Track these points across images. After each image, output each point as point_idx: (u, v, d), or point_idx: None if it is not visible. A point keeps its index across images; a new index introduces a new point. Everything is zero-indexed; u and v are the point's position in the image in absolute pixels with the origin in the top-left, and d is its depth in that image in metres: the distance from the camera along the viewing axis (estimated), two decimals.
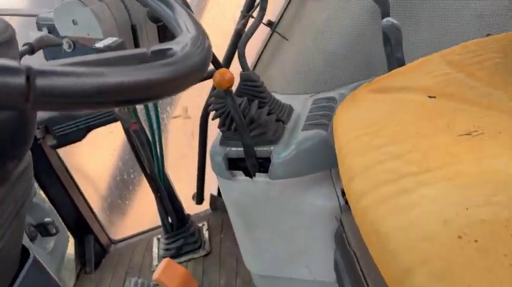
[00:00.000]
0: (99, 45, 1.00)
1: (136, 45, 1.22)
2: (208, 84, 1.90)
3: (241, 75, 1.48)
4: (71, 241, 2.10)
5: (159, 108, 1.86)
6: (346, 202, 1.14)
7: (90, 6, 1.10)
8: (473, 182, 0.74)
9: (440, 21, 1.43)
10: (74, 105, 0.39)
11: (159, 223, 2.14)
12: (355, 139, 0.95)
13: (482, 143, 0.82)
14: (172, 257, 1.93)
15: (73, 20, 1.10)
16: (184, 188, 2.16)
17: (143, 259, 2.09)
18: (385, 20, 1.24)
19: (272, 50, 1.72)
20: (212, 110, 1.45)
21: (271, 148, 1.41)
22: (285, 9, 1.69)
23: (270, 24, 1.71)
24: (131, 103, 0.43)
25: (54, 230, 1.69)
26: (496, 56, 1.03)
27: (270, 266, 1.65)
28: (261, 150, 1.42)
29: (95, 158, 2.15)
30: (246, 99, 1.42)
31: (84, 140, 1.88)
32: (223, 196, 1.63)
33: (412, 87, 1.04)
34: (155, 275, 1.71)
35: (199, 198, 2.27)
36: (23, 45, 0.74)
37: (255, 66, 1.80)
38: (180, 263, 1.91)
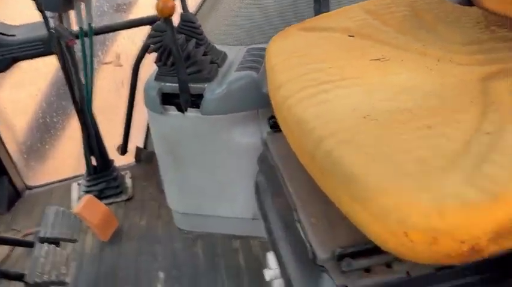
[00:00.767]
0: None
1: None
2: (142, 32, 1.94)
3: (182, 15, 1.56)
4: None
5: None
6: (271, 127, 1.27)
7: None
8: (381, 88, 0.90)
9: None
10: None
11: (79, 172, 2.13)
12: (284, 61, 1.08)
13: (388, 65, 0.99)
14: None
15: None
16: (108, 138, 2.15)
17: (61, 202, 2.05)
18: None
19: (212, 2, 1.81)
20: (150, 43, 1.51)
21: (205, 85, 1.51)
22: None
23: None
24: None
25: None
26: (405, 10, 1.22)
27: (193, 203, 1.74)
28: (194, 87, 1.51)
29: (17, 96, 2.08)
30: (184, 37, 1.50)
31: (7, 76, 1.83)
32: (152, 133, 1.68)
33: (335, 28, 1.19)
34: (76, 209, 1.71)
35: (123, 149, 2.28)
36: None
37: (195, 15, 1.88)
38: None
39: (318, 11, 1.48)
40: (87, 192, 1.98)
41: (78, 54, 1.75)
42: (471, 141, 0.72)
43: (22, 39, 1.76)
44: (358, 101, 0.86)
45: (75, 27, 1.75)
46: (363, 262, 0.81)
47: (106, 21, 2.34)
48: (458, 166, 0.67)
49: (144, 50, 1.89)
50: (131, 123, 2.21)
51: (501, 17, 1.05)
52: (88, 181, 1.99)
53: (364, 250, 0.83)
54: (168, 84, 1.53)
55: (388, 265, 0.84)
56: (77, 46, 1.72)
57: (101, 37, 2.13)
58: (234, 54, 1.68)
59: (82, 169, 2.06)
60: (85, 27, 1.72)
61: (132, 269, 1.67)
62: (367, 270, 0.84)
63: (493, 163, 0.66)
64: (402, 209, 0.63)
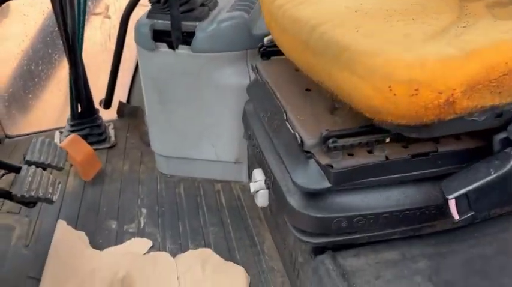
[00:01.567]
0: None
1: None
2: None
3: None
4: None
5: None
6: (262, 56, 1.34)
7: None
8: None
9: None
10: None
11: (62, 125, 2.13)
12: None
13: None
14: None
15: None
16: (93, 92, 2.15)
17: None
18: None
19: None
20: None
21: (197, 23, 1.56)
22: None
23: None
24: None
25: None
26: None
27: (177, 147, 1.78)
28: (186, 24, 1.56)
29: (3, 42, 2.07)
30: None
31: None
32: (141, 72, 1.72)
33: None
34: (61, 144, 1.73)
35: (107, 103, 2.30)
36: None
37: None
38: None
39: None
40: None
41: None
42: (449, 27, 0.81)
43: None
44: (350, 2, 0.94)
45: None
46: (347, 141, 0.89)
47: None
48: (438, 39, 0.76)
49: (134, 2, 1.93)
50: (117, 77, 2.23)
51: None
52: (72, 125, 2.00)
53: (347, 134, 0.90)
54: (160, 21, 1.58)
55: (370, 152, 0.93)
56: None
57: None
58: (225, 3, 1.74)
59: (64, 122, 2.06)
60: None
61: (115, 205, 1.70)
62: (350, 154, 0.92)
63: (468, 34, 0.74)
64: (388, 66, 0.71)
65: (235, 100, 1.59)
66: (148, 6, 1.63)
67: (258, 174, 1.22)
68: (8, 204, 1.71)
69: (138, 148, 2.05)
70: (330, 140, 0.88)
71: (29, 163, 1.45)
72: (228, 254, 1.46)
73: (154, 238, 1.54)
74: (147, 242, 1.52)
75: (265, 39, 1.39)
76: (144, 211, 1.67)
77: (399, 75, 0.70)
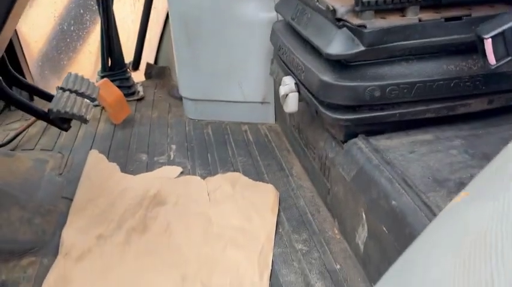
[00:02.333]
0: None
1: None
2: None
3: None
4: None
5: None
6: None
7: None
8: None
9: None
10: None
11: None
12: None
13: None
14: None
15: None
16: None
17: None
18: None
19: None
20: None
21: None
22: None
23: None
24: None
25: None
26: None
27: (205, 88, 1.81)
28: None
29: (36, 1, 2.16)
30: None
31: None
32: (171, 14, 1.77)
33: None
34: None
35: (135, 64, 2.37)
36: None
37: None
38: None
39: None
40: None
41: None
42: None
43: None
44: None
45: None
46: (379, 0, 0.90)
47: None
48: None
49: None
50: (145, 39, 2.30)
51: None
52: (102, 77, 2.05)
53: None
54: None
55: (403, 16, 0.93)
56: None
57: None
58: None
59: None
60: None
61: (145, 143, 1.73)
62: (383, 18, 0.93)
63: None
64: None
65: (262, 38, 1.62)
66: None
67: (288, 79, 1.24)
68: (41, 143, 1.76)
69: (166, 101, 2.09)
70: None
71: (63, 90, 1.50)
72: (257, 177, 1.47)
73: (184, 166, 1.56)
74: (177, 169, 1.54)
75: None
76: (173, 146, 1.70)
77: None
